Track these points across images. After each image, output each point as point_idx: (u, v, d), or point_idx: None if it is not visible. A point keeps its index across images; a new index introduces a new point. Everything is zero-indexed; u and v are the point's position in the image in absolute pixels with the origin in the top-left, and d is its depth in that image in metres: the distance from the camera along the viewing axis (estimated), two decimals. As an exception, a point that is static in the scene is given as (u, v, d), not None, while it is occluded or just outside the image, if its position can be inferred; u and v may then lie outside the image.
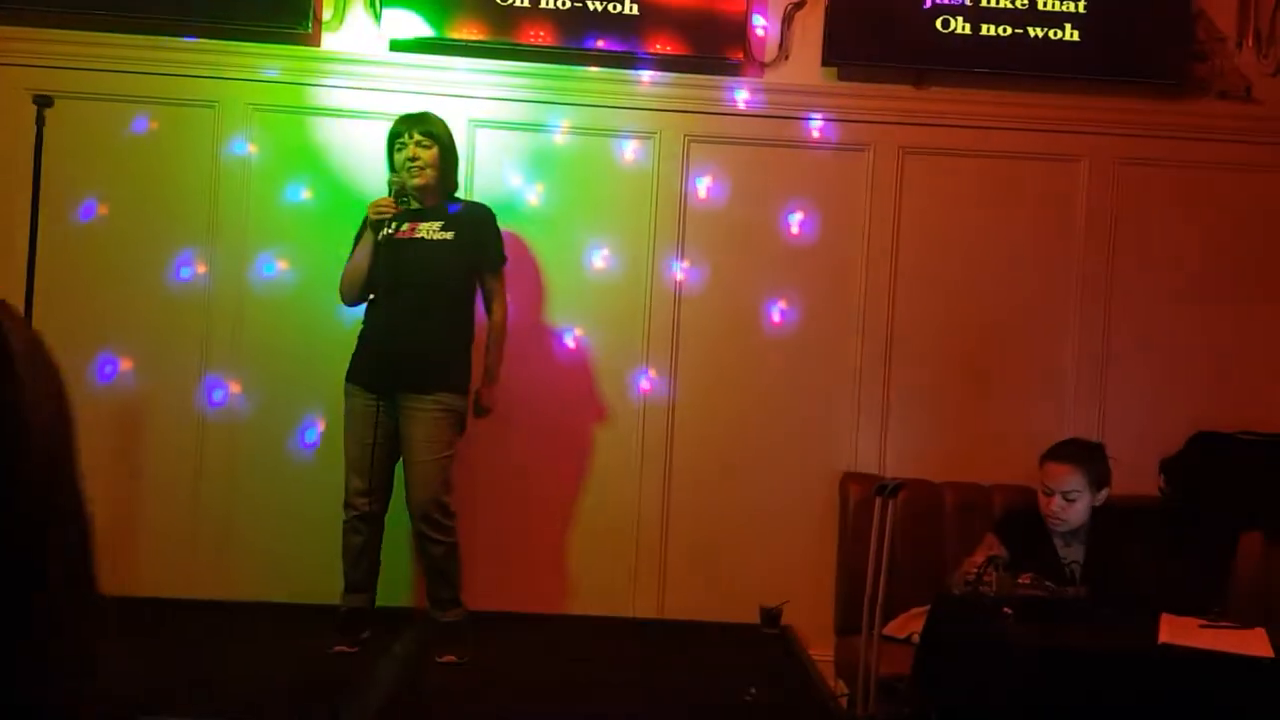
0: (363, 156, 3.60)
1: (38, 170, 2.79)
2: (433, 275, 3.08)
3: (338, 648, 3.03)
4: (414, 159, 3.10)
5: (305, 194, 3.62)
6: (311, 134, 3.62)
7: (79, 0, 3.50)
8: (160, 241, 3.60)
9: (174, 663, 2.93)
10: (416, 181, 3.10)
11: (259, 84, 3.59)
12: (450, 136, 3.20)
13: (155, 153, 3.59)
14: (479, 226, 3.18)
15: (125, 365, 3.57)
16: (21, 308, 2.82)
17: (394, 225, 3.07)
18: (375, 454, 3.04)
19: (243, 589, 3.51)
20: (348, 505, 3.09)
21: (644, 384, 3.67)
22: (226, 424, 3.59)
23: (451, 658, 3.04)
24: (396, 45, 3.60)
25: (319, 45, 3.61)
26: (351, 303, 3.17)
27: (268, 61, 3.59)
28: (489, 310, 3.20)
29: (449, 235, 3.11)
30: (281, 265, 3.62)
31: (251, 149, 3.60)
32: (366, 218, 3.14)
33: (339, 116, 3.62)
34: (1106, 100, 3.68)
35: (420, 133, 3.12)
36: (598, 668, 3.05)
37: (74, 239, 3.53)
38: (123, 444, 3.55)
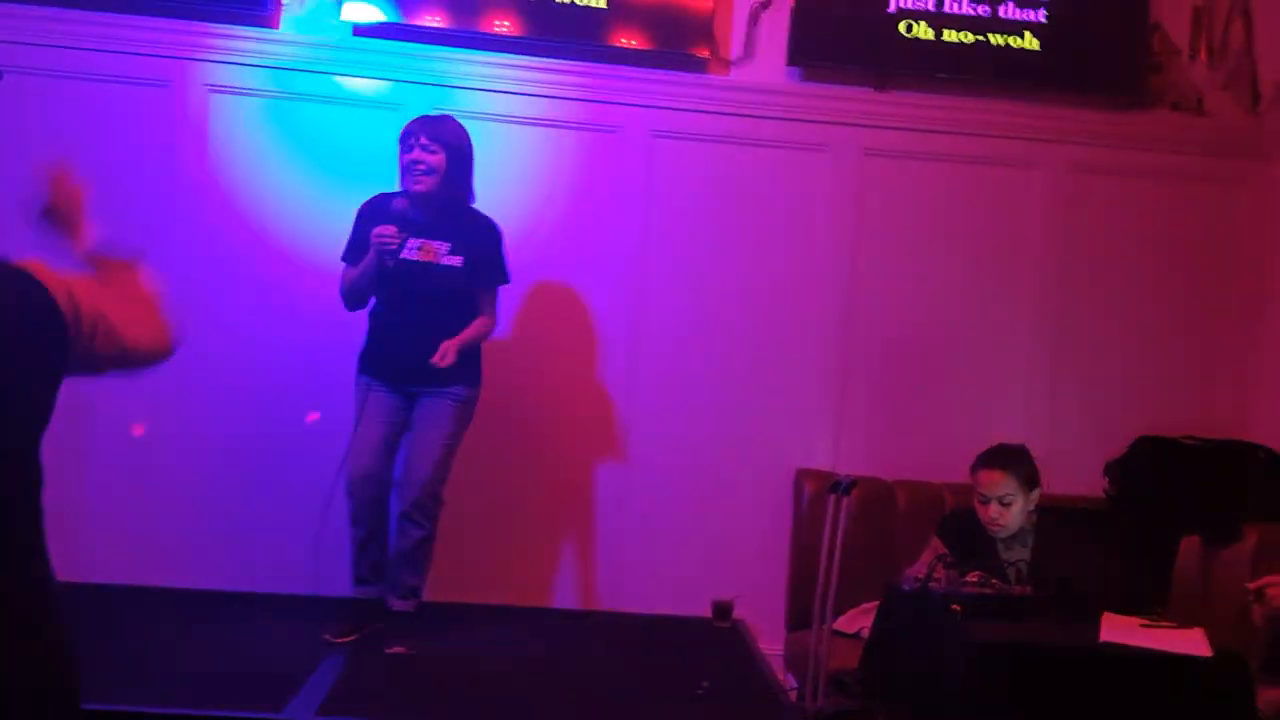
0: (325, 142, 3.56)
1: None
2: (443, 297, 3.08)
3: (325, 635, 3.00)
4: (418, 163, 3.03)
5: (266, 179, 3.57)
6: (272, 118, 3.57)
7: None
8: (113, 226, 3.52)
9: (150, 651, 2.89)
10: (417, 188, 3.05)
11: (216, 65, 3.54)
12: (464, 142, 3.11)
13: (107, 132, 3.52)
14: (485, 246, 3.15)
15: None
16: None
17: (399, 244, 3.03)
18: (391, 439, 3.07)
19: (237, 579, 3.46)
20: (348, 495, 3.05)
21: (603, 379, 3.67)
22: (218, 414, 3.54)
23: (400, 649, 3.02)
24: (360, 30, 3.57)
25: (278, 28, 3.56)
26: (354, 310, 3.16)
27: (224, 43, 3.53)
28: (481, 314, 3.17)
29: (457, 261, 3.08)
30: (253, 254, 3.56)
31: (209, 130, 3.54)
32: (357, 221, 3.12)
33: (300, 101, 3.57)
34: (1062, 109, 3.75)
35: (428, 135, 3.05)
36: (549, 660, 3.05)
37: (23, 223, 3.44)
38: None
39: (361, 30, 3.57)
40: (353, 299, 3.12)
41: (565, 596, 3.65)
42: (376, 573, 3.12)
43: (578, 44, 3.59)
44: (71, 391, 1.42)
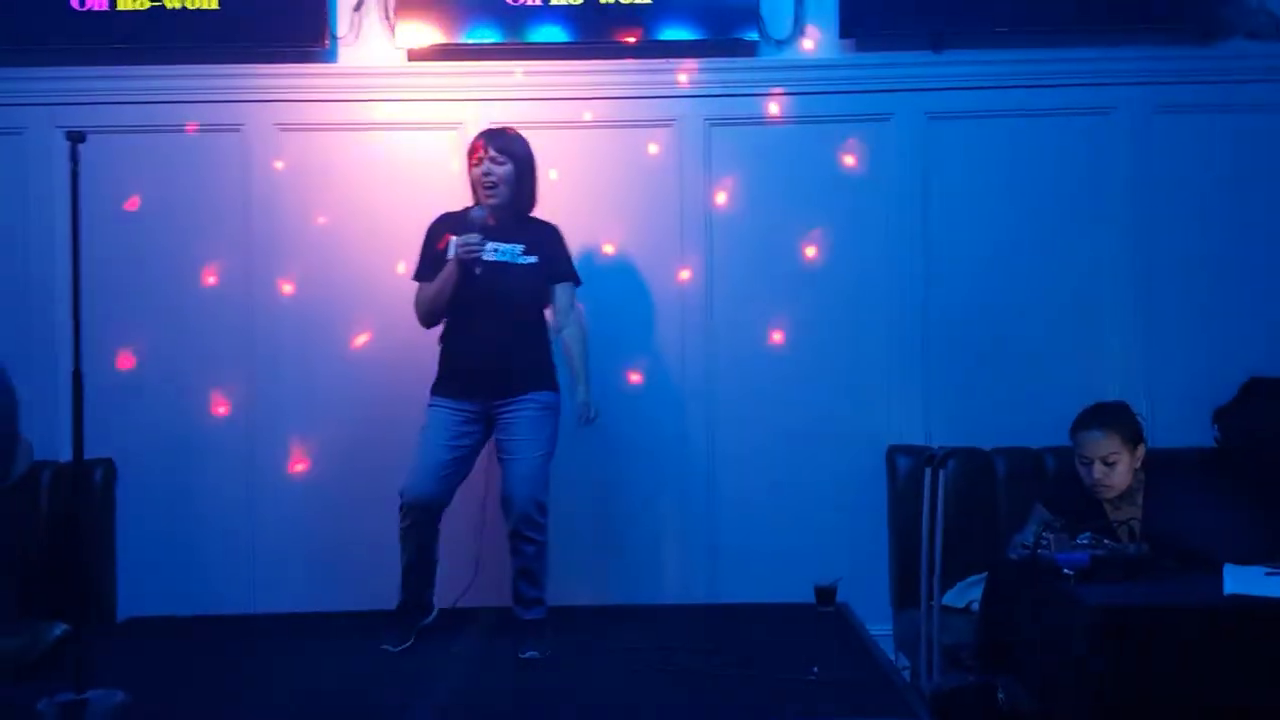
0: (388, 169, 3.64)
1: (75, 206, 2.84)
2: (522, 298, 3.12)
3: (384, 645, 3.08)
4: (488, 174, 3.10)
5: (333, 210, 3.66)
6: (337, 149, 3.66)
7: (100, 35, 3.57)
8: (196, 264, 3.66)
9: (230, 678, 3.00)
10: (491, 201, 3.10)
11: (282, 104, 3.64)
12: (528, 152, 3.17)
13: (187, 180, 3.65)
14: (553, 246, 3.20)
15: (166, 383, 3.64)
16: (71, 341, 2.87)
17: (482, 249, 3.08)
18: (453, 462, 3.10)
19: (296, 600, 3.57)
20: (403, 513, 3.09)
21: (683, 369, 3.67)
22: (267, 439, 3.65)
23: (535, 653, 3.08)
24: (414, 55, 3.63)
25: (336, 61, 3.65)
26: (432, 326, 3.17)
27: (289, 81, 3.63)
28: (566, 324, 3.20)
29: (534, 260, 3.13)
30: (315, 279, 3.66)
31: (278, 167, 3.65)
32: (429, 237, 3.18)
33: (362, 130, 3.65)
34: (1134, 49, 3.62)
35: (496, 148, 3.11)
36: (655, 656, 3.06)
37: (114, 268, 3.60)
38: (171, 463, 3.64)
39: (416, 54, 3.63)
40: (433, 313, 3.14)
41: (663, 591, 3.65)
42: (418, 596, 3.17)
43: (627, 42, 3.60)
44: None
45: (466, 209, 3.19)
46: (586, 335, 3.24)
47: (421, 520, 3.10)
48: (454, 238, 3.09)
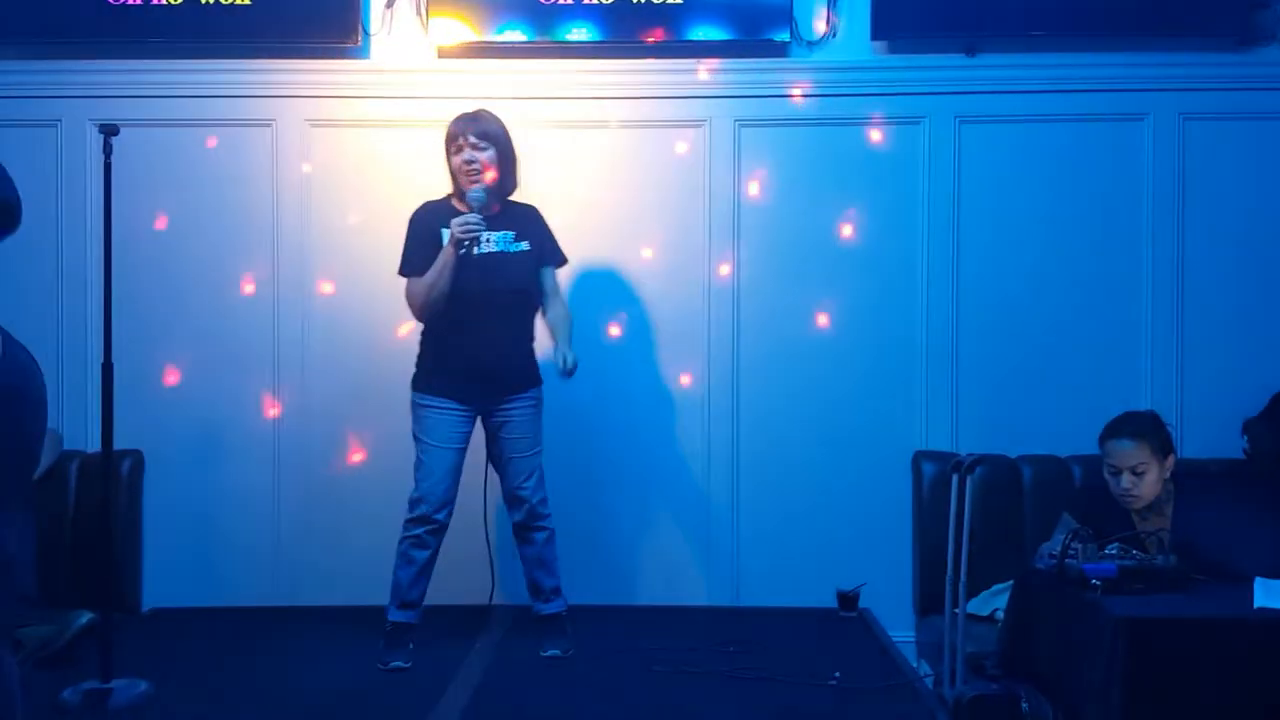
0: (417, 166, 3.64)
1: (108, 199, 2.87)
2: (518, 285, 3.09)
3: (394, 664, 3.00)
4: (470, 161, 3.05)
5: (364, 206, 3.67)
6: (367, 146, 3.67)
7: (134, 29, 3.60)
8: (226, 260, 3.69)
9: (257, 670, 3.01)
10: (476, 188, 3.04)
11: (314, 99, 3.66)
12: (507, 135, 3.11)
13: (218, 174, 3.67)
14: (538, 226, 3.17)
15: (195, 379, 3.66)
16: (101, 331, 2.90)
17: (480, 232, 3.01)
18: (460, 465, 3.07)
19: (318, 594, 3.59)
20: (421, 520, 3.03)
21: (707, 372, 3.66)
22: (295, 436, 3.66)
23: (557, 651, 3.08)
24: (444, 52, 3.64)
25: (369, 58, 3.67)
26: (429, 319, 3.07)
27: (321, 77, 3.65)
28: (551, 305, 3.17)
29: (525, 245, 3.10)
30: (343, 277, 3.68)
31: (308, 166, 3.67)
32: (415, 229, 3.09)
33: (392, 127, 3.66)
34: (1167, 55, 3.60)
35: (475, 134, 3.06)
36: (677, 658, 3.05)
37: (146, 263, 3.63)
38: (198, 454, 3.66)
39: (446, 51, 3.64)
40: (430, 304, 3.02)
41: (687, 594, 3.65)
42: (423, 596, 3.10)
43: (658, 41, 3.59)
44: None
45: (447, 197, 3.13)
46: (570, 316, 3.19)
47: (439, 527, 3.05)
48: (454, 221, 2.98)
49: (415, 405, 3.10)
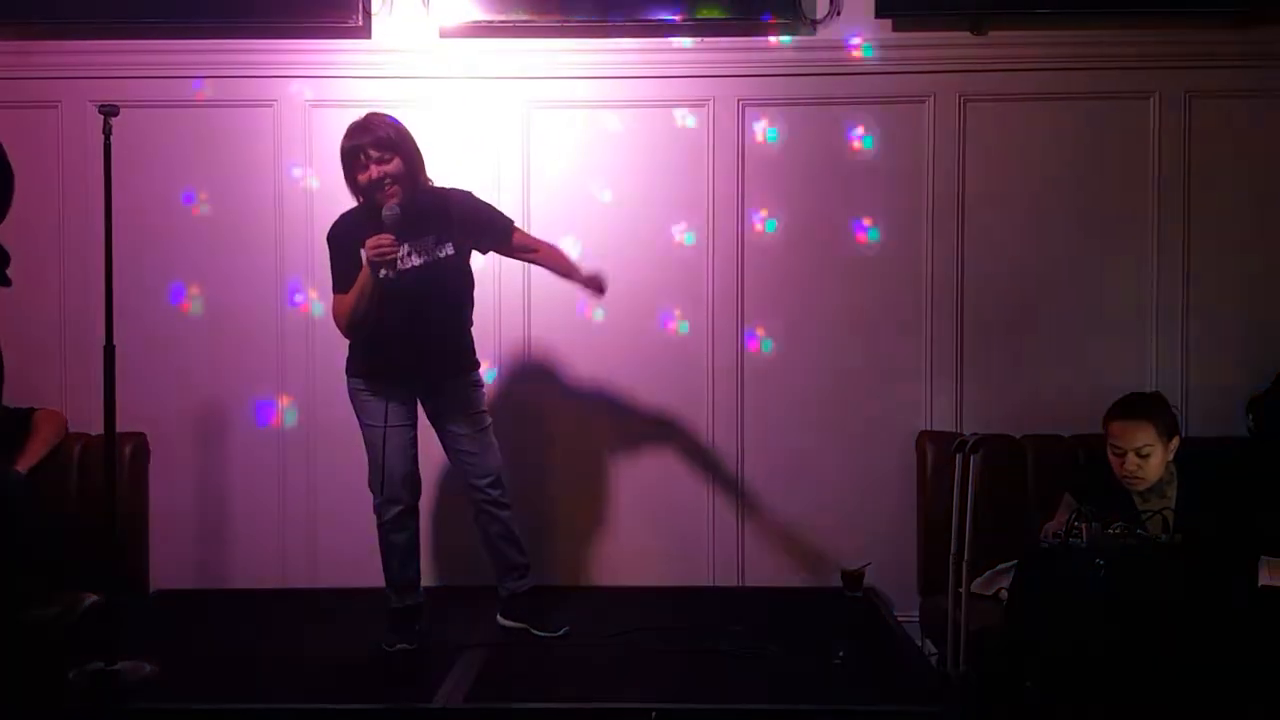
0: (421, 146, 3.63)
1: (108, 179, 2.86)
2: (447, 293, 3.02)
3: (399, 645, 3.01)
4: (378, 179, 2.88)
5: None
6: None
7: (135, 9, 3.57)
8: (228, 241, 3.67)
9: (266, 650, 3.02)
10: (387, 210, 2.87)
11: (315, 80, 3.63)
12: (404, 134, 2.95)
13: (219, 154, 3.66)
14: (468, 218, 3.03)
15: (199, 361, 3.66)
16: (101, 312, 2.89)
17: (395, 254, 2.88)
18: (413, 442, 3.05)
19: (324, 576, 3.60)
20: (390, 502, 3.00)
21: (711, 352, 3.66)
22: (300, 417, 3.67)
23: (553, 632, 3.09)
24: (446, 32, 3.62)
25: (370, 38, 3.64)
26: (355, 337, 2.99)
27: (322, 57, 3.62)
28: (535, 255, 3.11)
29: (450, 250, 2.98)
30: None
31: (310, 146, 3.65)
32: (334, 247, 3.00)
33: (394, 107, 3.62)
34: (1172, 30, 3.56)
35: (374, 145, 2.89)
36: (681, 637, 3.06)
37: (148, 245, 3.62)
38: (205, 441, 3.66)
39: (448, 31, 3.62)
40: (354, 325, 2.94)
41: (691, 574, 3.65)
42: (419, 573, 3.10)
43: (661, 21, 3.57)
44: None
45: (355, 212, 3.01)
46: (559, 248, 3.14)
47: (409, 506, 3.04)
48: (368, 243, 2.85)
49: (355, 392, 3.04)
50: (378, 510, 3.04)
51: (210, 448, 3.67)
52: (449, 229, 2.99)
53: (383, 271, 2.87)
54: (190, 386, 3.66)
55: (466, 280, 3.09)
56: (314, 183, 3.65)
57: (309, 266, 3.65)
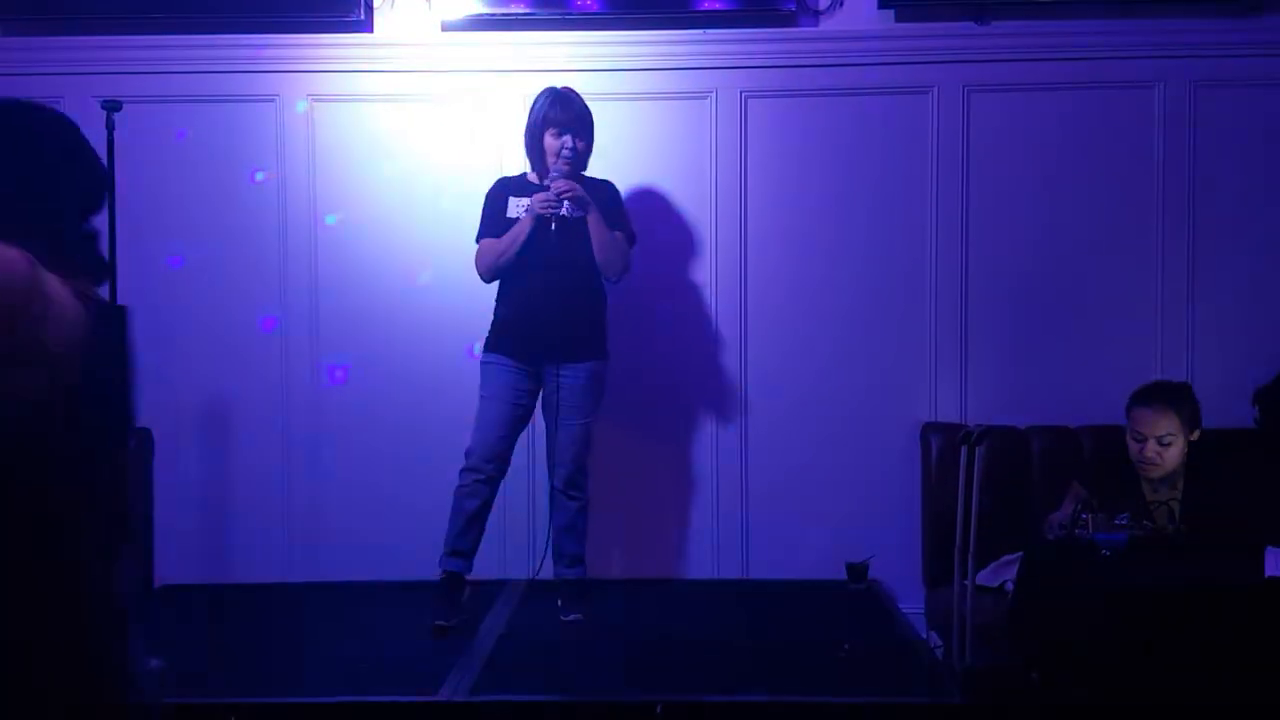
0: (421, 141, 3.63)
1: (111, 174, 2.86)
2: (584, 254, 3.11)
3: (438, 621, 3.04)
4: (570, 149, 3.07)
5: (368, 181, 3.65)
6: (371, 121, 3.65)
7: (138, 5, 3.57)
8: (232, 236, 3.67)
9: (273, 645, 3.02)
10: (565, 169, 3.06)
11: (317, 74, 3.63)
12: (592, 118, 3.16)
13: (222, 149, 3.65)
14: (612, 203, 3.19)
15: (203, 356, 3.66)
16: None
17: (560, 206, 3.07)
18: (517, 420, 3.14)
19: (329, 570, 3.59)
20: (473, 469, 3.10)
21: (714, 345, 3.65)
22: (305, 411, 3.67)
23: (577, 615, 3.13)
24: (448, 25, 3.61)
25: (372, 32, 3.64)
26: (492, 280, 3.16)
27: (324, 52, 3.62)
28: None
29: (597, 218, 3.12)
30: (349, 253, 3.66)
31: (314, 139, 3.64)
32: (490, 199, 3.17)
33: (396, 102, 3.64)
34: (1176, 21, 3.55)
35: (574, 121, 3.10)
36: (688, 629, 3.06)
37: (150, 240, 3.62)
38: (212, 433, 3.66)
39: (450, 25, 3.61)
40: (496, 267, 3.12)
41: (696, 566, 3.65)
42: (475, 548, 3.15)
43: (663, 13, 3.56)
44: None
45: (522, 174, 3.20)
46: (624, 246, 3.19)
47: (489, 478, 3.11)
48: (536, 197, 3.06)
49: (482, 365, 3.17)
50: (460, 472, 3.13)
51: (214, 443, 3.67)
52: (600, 206, 3.13)
53: (551, 213, 3.03)
54: (194, 382, 3.66)
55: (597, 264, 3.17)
56: (316, 177, 3.65)
57: (312, 261, 3.65)
